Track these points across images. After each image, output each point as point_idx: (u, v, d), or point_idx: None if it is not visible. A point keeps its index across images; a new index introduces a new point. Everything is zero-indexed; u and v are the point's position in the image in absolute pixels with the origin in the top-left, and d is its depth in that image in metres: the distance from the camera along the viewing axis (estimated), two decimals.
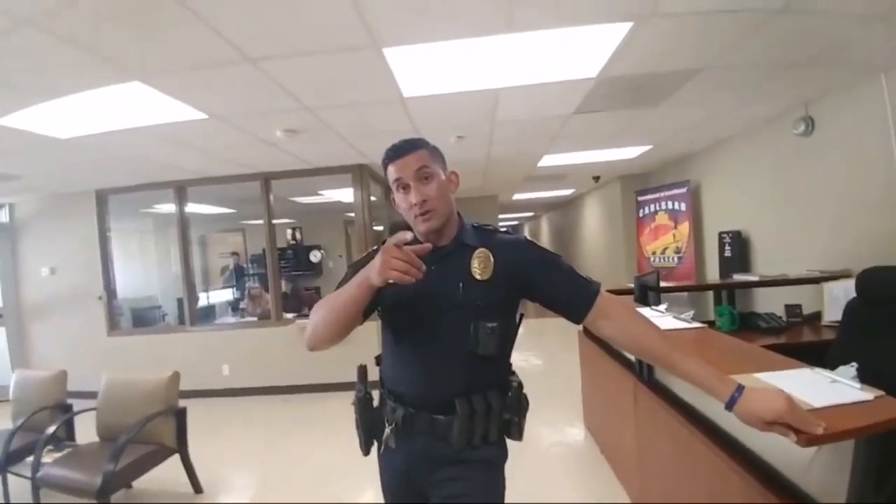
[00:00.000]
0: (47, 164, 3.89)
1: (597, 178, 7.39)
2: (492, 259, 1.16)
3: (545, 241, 16.40)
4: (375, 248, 1.24)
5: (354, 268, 1.25)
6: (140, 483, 2.80)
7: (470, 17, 1.97)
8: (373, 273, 0.99)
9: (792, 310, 3.11)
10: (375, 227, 5.64)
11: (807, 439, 0.96)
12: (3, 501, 2.79)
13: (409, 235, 1.07)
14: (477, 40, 2.16)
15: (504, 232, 1.26)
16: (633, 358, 2.33)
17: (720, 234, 4.88)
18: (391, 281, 0.97)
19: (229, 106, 2.88)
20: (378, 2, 1.80)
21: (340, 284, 1.21)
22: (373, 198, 5.37)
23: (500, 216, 11.70)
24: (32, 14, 1.68)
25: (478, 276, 1.15)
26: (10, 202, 5.50)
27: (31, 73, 2.17)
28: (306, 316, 5.50)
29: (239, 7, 1.77)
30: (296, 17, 1.88)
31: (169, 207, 5.69)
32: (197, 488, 2.94)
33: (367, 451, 1.29)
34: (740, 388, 0.98)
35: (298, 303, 7.49)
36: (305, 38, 2.06)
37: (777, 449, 1.29)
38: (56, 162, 3.82)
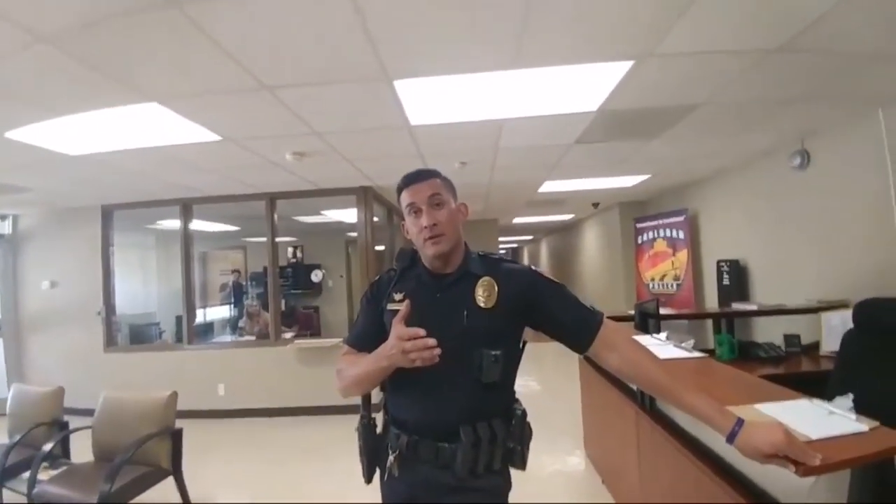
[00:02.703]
0: (56, 179, 3.94)
1: (596, 205, 7.49)
2: (496, 287, 1.19)
3: (544, 264, 16.44)
4: (392, 269, 1.31)
5: (372, 289, 1.32)
6: None
7: (479, 54, 2.05)
8: (398, 361, 1.07)
9: (791, 339, 3.12)
10: (377, 248, 5.68)
11: (804, 470, 0.99)
12: None
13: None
14: (484, 74, 2.25)
15: (509, 261, 1.29)
16: (634, 387, 2.34)
17: (718, 262, 4.93)
18: (417, 364, 1.05)
19: (243, 129, 2.96)
20: (392, 37, 1.89)
21: (359, 315, 1.34)
22: (375, 219, 5.43)
23: (500, 239, 11.77)
24: (53, 32, 1.70)
25: (482, 304, 1.17)
26: (14, 214, 5.52)
27: (45, 90, 2.20)
28: (305, 336, 5.42)
29: (260, 38, 1.85)
30: (313, 50, 1.97)
31: (172, 224, 5.73)
32: None
33: (369, 479, 1.29)
34: (740, 422, 1.01)
35: (297, 321, 7.47)
36: (321, 69, 2.14)
37: (777, 479, 1.30)
38: (65, 177, 3.87)
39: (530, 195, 6.20)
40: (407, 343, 1.03)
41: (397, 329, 1.07)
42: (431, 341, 1.03)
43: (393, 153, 3.63)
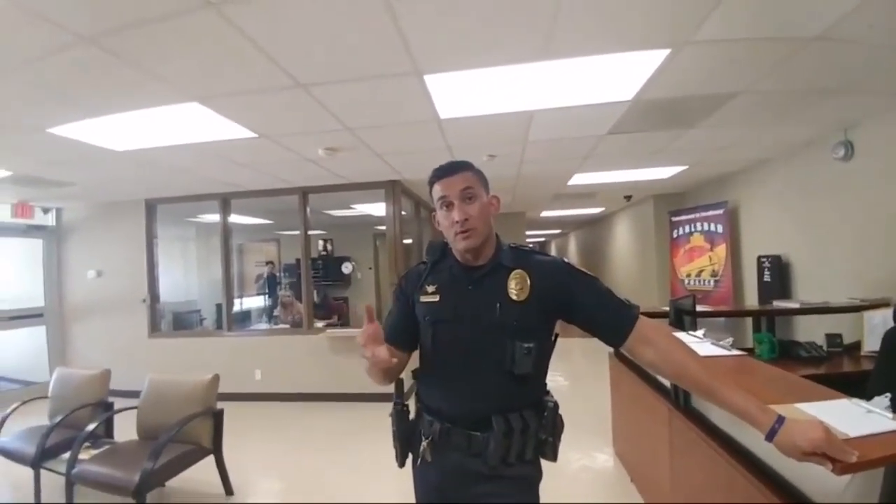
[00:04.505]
0: (101, 174, 4.12)
1: (628, 198, 7.31)
2: (528, 280, 1.18)
3: (573, 258, 16.17)
4: (423, 262, 1.32)
5: (402, 283, 1.35)
6: (173, 482, 2.89)
7: (509, 47, 2.04)
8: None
9: (832, 339, 3.00)
10: (405, 241, 5.74)
11: (841, 468, 0.98)
12: (34, 501, 2.79)
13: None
14: (514, 66, 2.23)
15: (541, 253, 1.28)
16: (668, 384, 2.29)
17: (759, 258, 4.74)
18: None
19: (279, 126, 3.04)
20: (423, 33, 1.90)
21: (391, 309, 1.37)
22: (403, 212, 5.48)
23: (528, 233, 11.68)
24: (95, 32, 1.74)
25: (514, 297, 1.17)
26: (57, 207, 5.81)
27: (89, 89, 2.27)
28: (336, 325, 5.53)
29: (296, 38, 1.90)
30: (347, 48, 2.01)
31: (212, 217, 5.95)
32: (228, 490, 3.02)
33: (402, 463, 1.32)
34: (780, 420, 0.98)
35: (328, 311, 7.67)
36: (354, 66, 2.18)
37: (812, 478, 1.27)
38: (109, 172, 4.04)
39: (559, 188, 6.10)
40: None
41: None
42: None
43: (422, 147, 3.65)
